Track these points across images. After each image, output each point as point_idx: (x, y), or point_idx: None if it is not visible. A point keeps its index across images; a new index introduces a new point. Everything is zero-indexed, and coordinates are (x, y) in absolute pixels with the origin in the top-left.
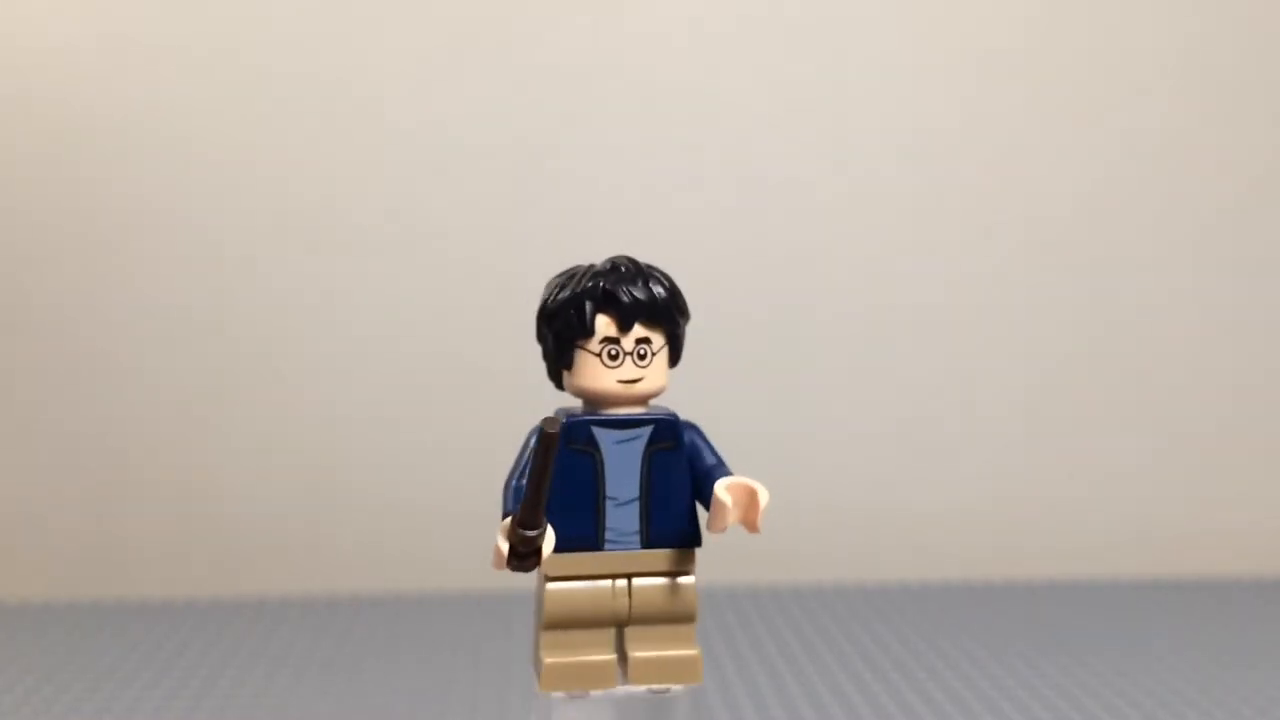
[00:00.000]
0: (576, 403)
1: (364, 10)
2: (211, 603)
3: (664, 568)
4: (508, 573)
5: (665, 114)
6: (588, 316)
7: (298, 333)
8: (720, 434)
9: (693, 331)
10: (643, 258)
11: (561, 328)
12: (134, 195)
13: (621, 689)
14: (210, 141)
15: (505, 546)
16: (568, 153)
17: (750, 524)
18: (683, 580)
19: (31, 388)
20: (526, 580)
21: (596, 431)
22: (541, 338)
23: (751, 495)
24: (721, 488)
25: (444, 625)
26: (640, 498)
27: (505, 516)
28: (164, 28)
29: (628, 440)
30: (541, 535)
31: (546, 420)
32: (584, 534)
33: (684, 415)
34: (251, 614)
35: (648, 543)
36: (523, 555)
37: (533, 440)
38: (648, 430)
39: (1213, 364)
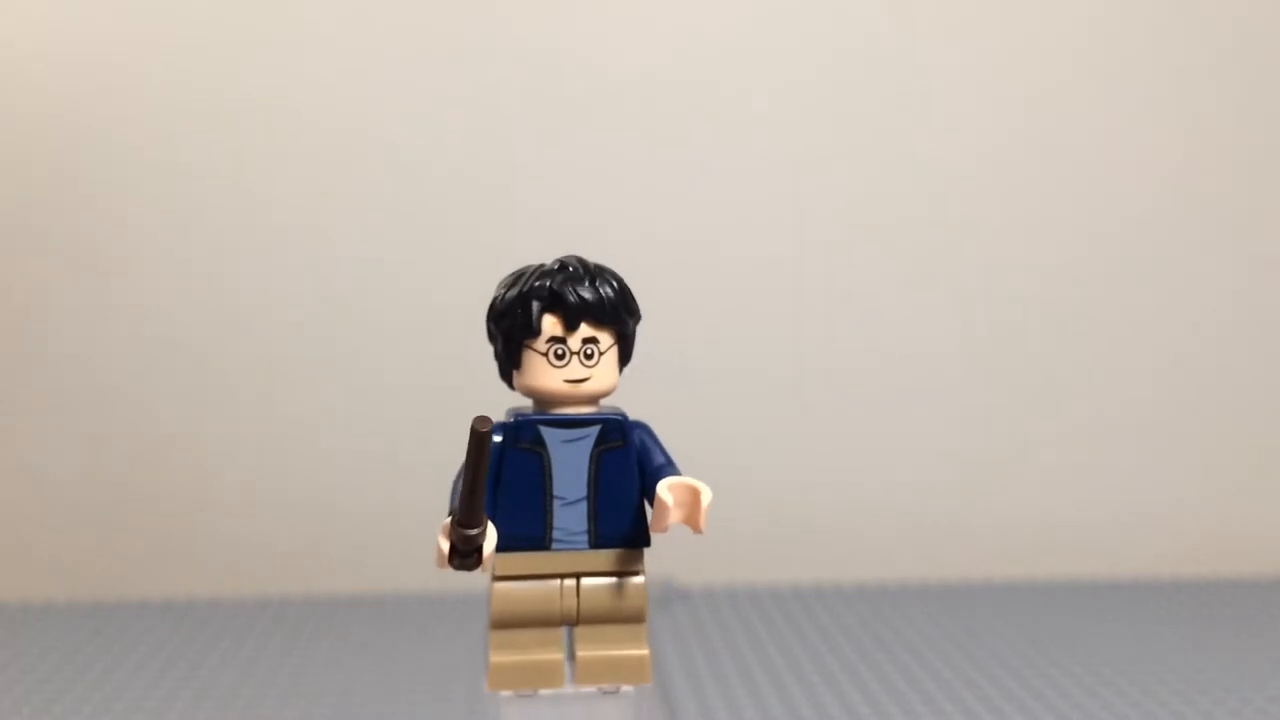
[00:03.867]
0: (527, 402)
1: (355, 12)
2: (211, 603)
3: (612, 567)
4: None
5: (661, 116)
6: (534, 316)
7: (296, 335)
8: (719, 435)
9: (694, 334)
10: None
11: (510, 327)
12: (136, 198)
13: (570, 689)
14: (213, 146)
15: (445, 545)
16: (561, 155)
17: (693, 524)
18: (632, 580)
19: (31, 389)
20: None
21: (544, 431)
22: (492, 337)
23: (694, 495)
24: (663, 487)
25: (443, 625)
26: (588, 497)
27: (449, 515)
28: (167, 31)
29: (575, 440)
30: (482, 534)
31: (477, 419)
32: (531, 533)
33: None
34: (251, 614)
35: (596, 543)
36: (464, 554)
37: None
38: (595, 430)
39: (1213, 365)
